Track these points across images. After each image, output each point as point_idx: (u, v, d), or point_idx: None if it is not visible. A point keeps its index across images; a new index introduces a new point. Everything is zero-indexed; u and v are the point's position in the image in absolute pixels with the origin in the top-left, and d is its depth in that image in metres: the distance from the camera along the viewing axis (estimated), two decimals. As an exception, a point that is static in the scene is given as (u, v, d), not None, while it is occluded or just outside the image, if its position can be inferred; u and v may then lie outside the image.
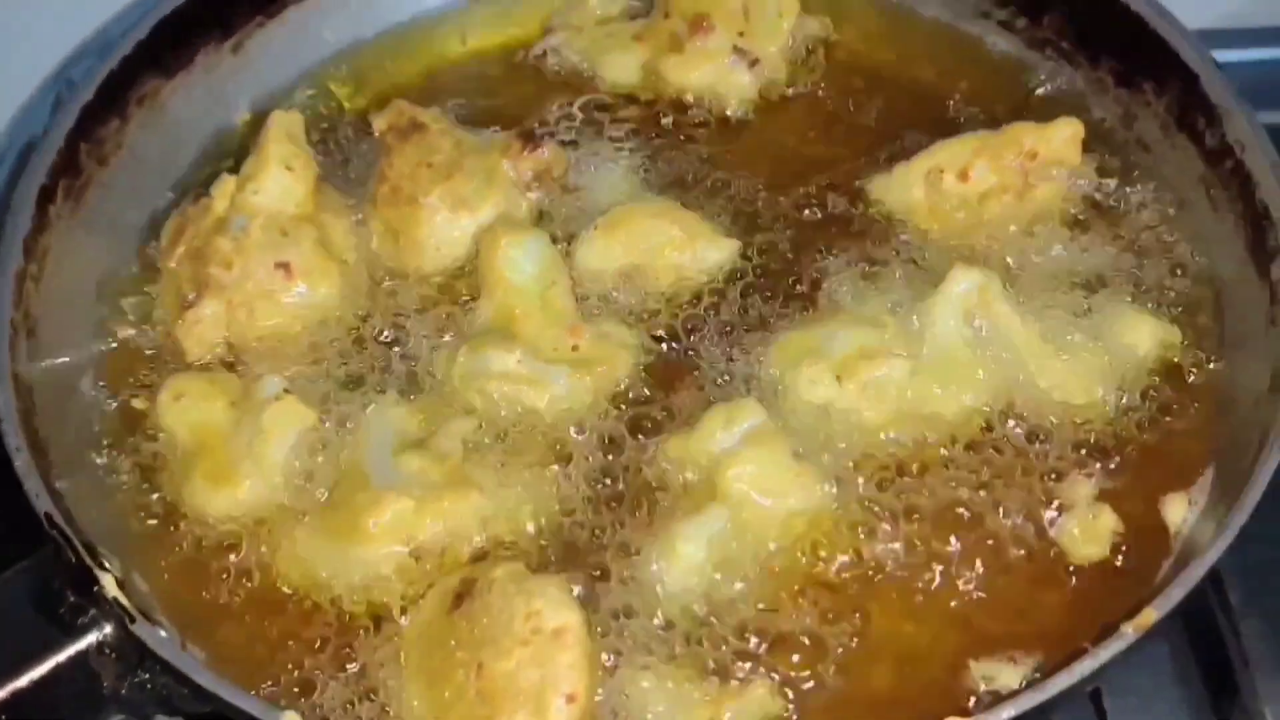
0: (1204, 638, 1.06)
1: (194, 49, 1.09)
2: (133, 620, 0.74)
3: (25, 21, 1.33)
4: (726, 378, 0.95)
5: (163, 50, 1.07)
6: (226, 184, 1.00)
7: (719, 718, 0.78)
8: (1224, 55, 1.28)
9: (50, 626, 0.76)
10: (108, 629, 0.75)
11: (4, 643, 0.75)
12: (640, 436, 0.93)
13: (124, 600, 0.75)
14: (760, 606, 0.84)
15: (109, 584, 0.76)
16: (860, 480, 0.90)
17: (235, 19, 1.11)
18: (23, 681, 0.73)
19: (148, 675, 0.76)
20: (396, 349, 0.98)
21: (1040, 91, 1.11)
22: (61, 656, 0.74)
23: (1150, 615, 0.73)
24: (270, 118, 1.02)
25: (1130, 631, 0.72)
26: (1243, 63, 1.36)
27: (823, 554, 0.87)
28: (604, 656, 0.81)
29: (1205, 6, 1.35)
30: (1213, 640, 1.05)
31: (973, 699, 0.79)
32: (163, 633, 0.76)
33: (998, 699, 0.71)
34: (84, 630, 0.75)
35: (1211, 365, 0.95)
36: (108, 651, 0.75)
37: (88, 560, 0.76)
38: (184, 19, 1.07)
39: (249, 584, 0.87)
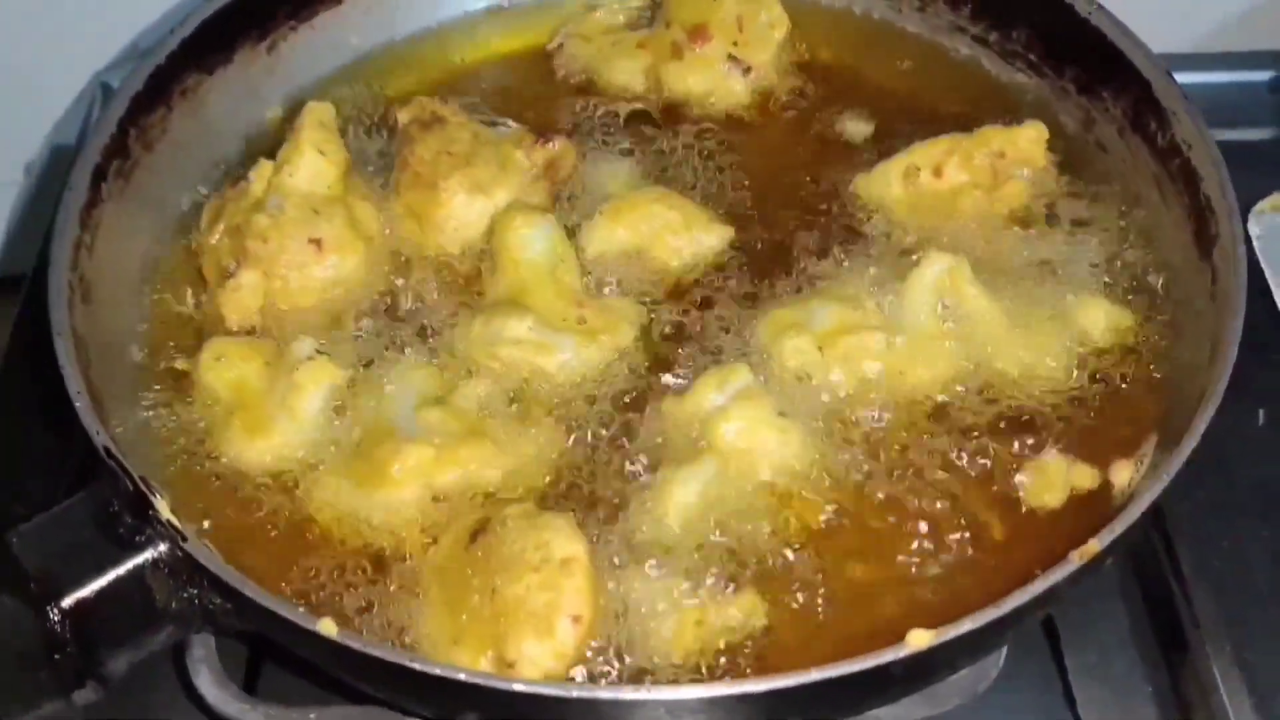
0: (1158, 603, 1.14)
1: (232, 48, 1.18)
2: (184, 539, 0.83)
3: (61, 32, 1.44)
4: (719, 347, 1.04)
5: (204, 48, 1.15)
6: (264, 168, 1.09)
7: (706, 619, 0.87)
8: (1194, 78, 1.40)
9: (110, 545, 0.83)
10: (162, 548, 0.83)
11: (69, 558, 0.83)
12: (641, 398, 1.01)
13: (176, 521, 0.84)
14: (745, 544, 0.93)
15: (162, 507, 0.84)
16: (838, 439, 0.99)
17: (270, 22, 1.20)
18: (87, 591, 0.81)
19: (196, 591, 0.84)
20: (418, 318, 1.06)
21: (1010, 98, 1.21)
22: (120, 570, 0.82)
23: (1094, 546, 0.81)
24: (305, 107, 1.11)
25: (1076, 559, 0.81)
26: (1212, 84, 1.47)
27: (802, 502, 0.95)
28: (608, 585, 0.89)
29: (1179, 32, 1.47)
30: (1166, 604, 1.14)
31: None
32: (210, 550, 0.84)
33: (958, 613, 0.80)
34: (140, 548, 0.83)
35: (1160, 343, 1.04)
36: (161, 568, 0.83)
37: (142, 487, 0.84)
38: (224, 21, 1.16)
39: (282, 525, 0.95)
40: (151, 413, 1.00)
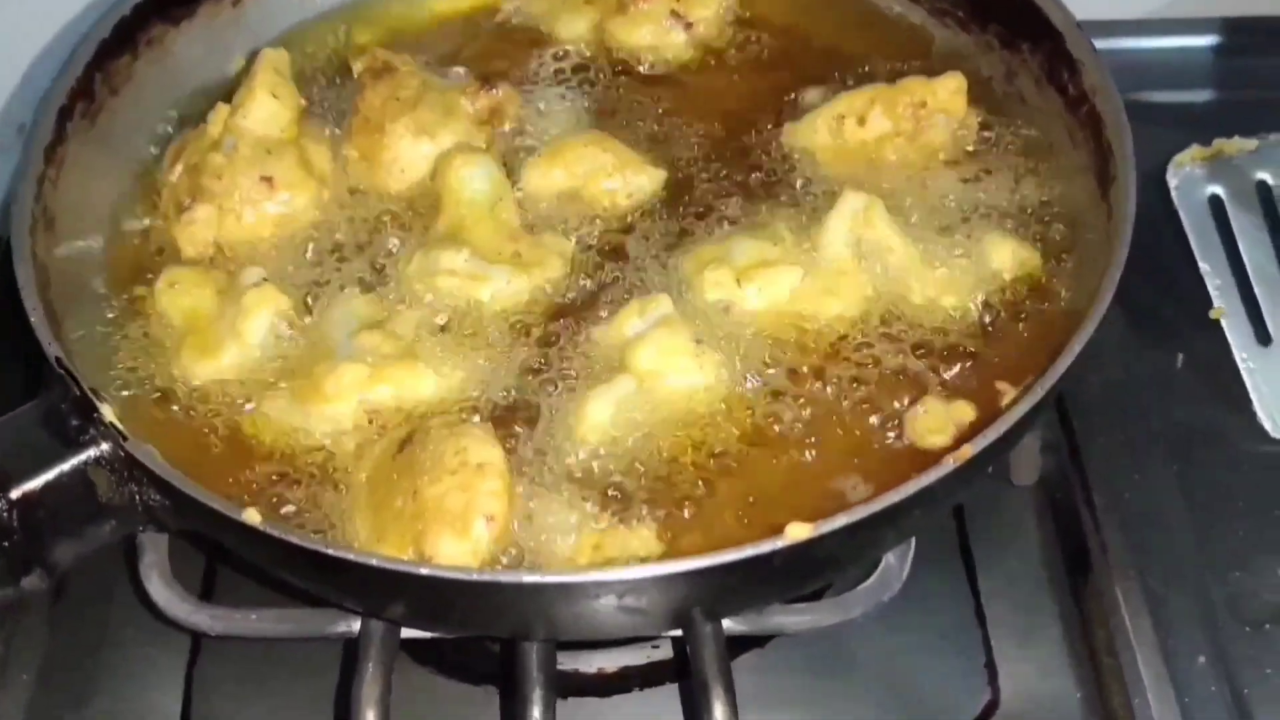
0: (1069, 533, 1.20)
1: (198, 1, 1.25)
2: (125, 439, 0.89)
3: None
4: (644, 281, 1.10)
5: (170, 1, 1.22)
6: (221, 111, 1.16)
7: (603, 545, 0.93)
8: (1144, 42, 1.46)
9: (56, 444, 0.90)
10: (104, 446, 0.90)
11: (18, 456, 0.89)
12: (567, 327, 1.08)
13: (118, 423, 0.90)
14: (653, 462, 0.99)
15: (106, 411, 0.90)
16: (751, 367, 1.05)
17: (235, -23, 1.27)
18: (32, 485, 0.88)
19: (136, 488, 0.91)
20: (364, 252, 1.13)
21: (938, 53, 1.27)
22: (65, 466, 0.89)
23: (966, 450, 0.87)
24: (260, 53, 1.17)
25: (950, 461, 0.87)
26: (1161, 49, 1.53)
27: (712, 425, 1.01)
28: (520, 489, 0.96)
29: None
30: (1076, 533, 1.20)
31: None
32: (151, 451, 0.90)
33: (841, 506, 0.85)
34: (84, 446, 0.89)
35: (1064, 281, 1.10)
36: (104, 465, 0.89)
37: (88, 392, 0.91)
38: (191, -25, 1.23)
39: (226, 438, 1.02)
40: (108, 334, 1.07)
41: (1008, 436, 0.89)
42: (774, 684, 1.13)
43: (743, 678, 1.08)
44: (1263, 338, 1.27)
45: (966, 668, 1.14)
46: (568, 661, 1.14)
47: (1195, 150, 1.33)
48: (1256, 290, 1.28)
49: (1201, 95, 1.52)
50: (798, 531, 0.84)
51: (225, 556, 1.11)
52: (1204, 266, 1.29)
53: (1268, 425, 1.24)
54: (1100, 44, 1.35)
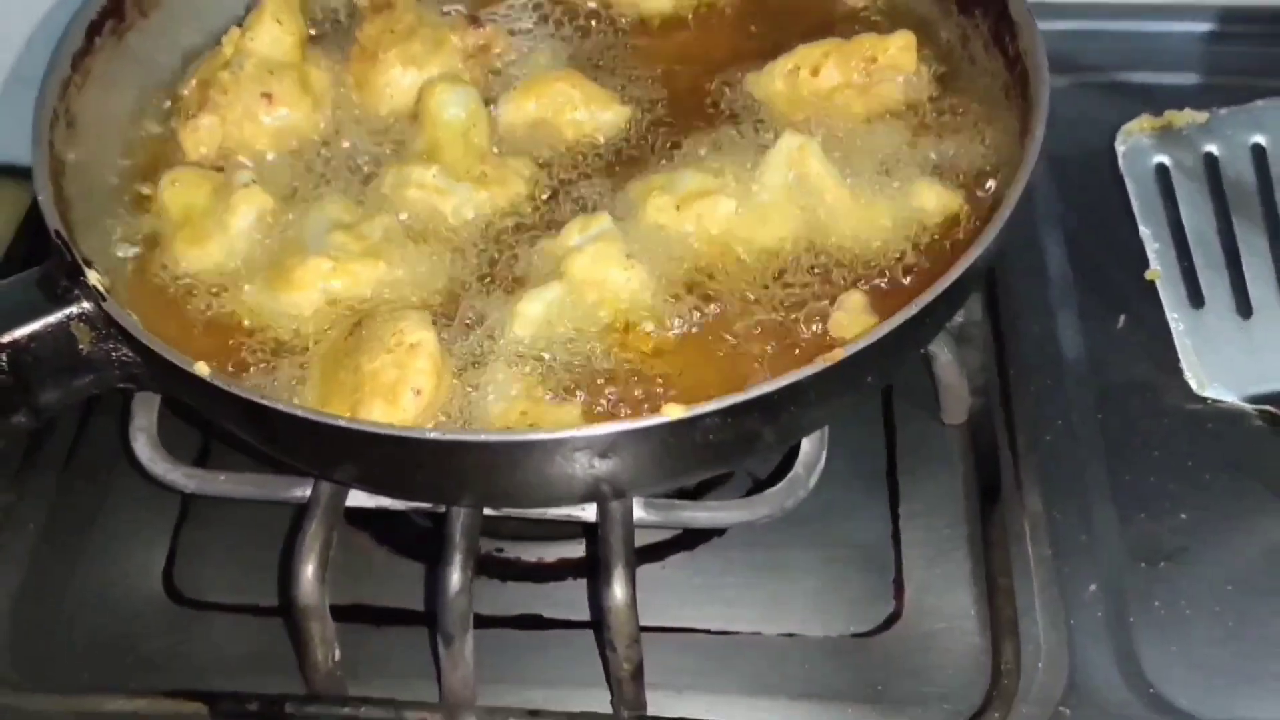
0: (988, 467, 1.29)
1: (224, -61, 1.38)
2: (104, 299, 1.02)
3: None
4: (595, 204, 1.21)
5: (197, -63, 1.36)
6: (233, 34, 1.29)
7: (530, 414, 1.03)
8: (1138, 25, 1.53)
9: (46, 301, 1.03)
10: (86, 305, 1.02)
11: (12, 310, 1.02)
12: (519, 239, 1.19)
13: (101, 286, 1.03)
14: (578, 356, 1.09)
15: (92, 276, 1.03)
16: (678, 282, 1.15)
17: (260, -81, 1.39)
18: (21, 332, 1.00)
19: (112, 346, 1.04)
20: (348, 164, 1.25)
21: (902, 14, 1.35)
22: (50, 319, 1.01)
23: (837, 354, 0.96)
24: (273, -15, 1.30)
25: (820, 362, 0.96)
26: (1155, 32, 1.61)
27: (639, 326, 1.11)
28: (455, 368, 1.07)
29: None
30: (993, 467, 1.28)
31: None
32: (128, 314, 1.03)
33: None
34: (69, 303, 1.02)
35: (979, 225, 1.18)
36: (85, 321, 1.02)
37: (78, 258, 1.04)
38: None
39: (204, 314, 1.14)
40: (114, 223, 1.20)
41: (885, 341, 0.97)
42: (691, 582, 1.23)
43: (666, 574, 1.20)
44: (1195, 301, 1.34)
45: (876, 582, 1.23)
46: (511, 550, 1.25)
47: (1145, 120, 1.40)
48: (1194, 255, 1.35)
49: (1190, 78, 1.58)
50: (672, 411, 0.94)
51: (213, 428, 1.23)
52: (1144, 230, 1.36)
53: (1193, 383, 1.30)
54: (1074, 24, 1.44)
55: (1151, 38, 1.57)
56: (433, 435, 0.95)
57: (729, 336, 1.12)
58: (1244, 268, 1.33)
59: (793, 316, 1.13)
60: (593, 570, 1.15)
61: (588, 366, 1.09)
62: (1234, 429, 1.28)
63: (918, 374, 1.31)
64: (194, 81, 1.28)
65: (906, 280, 1.15)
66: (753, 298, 1.14)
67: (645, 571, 1.21)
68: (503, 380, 1.08)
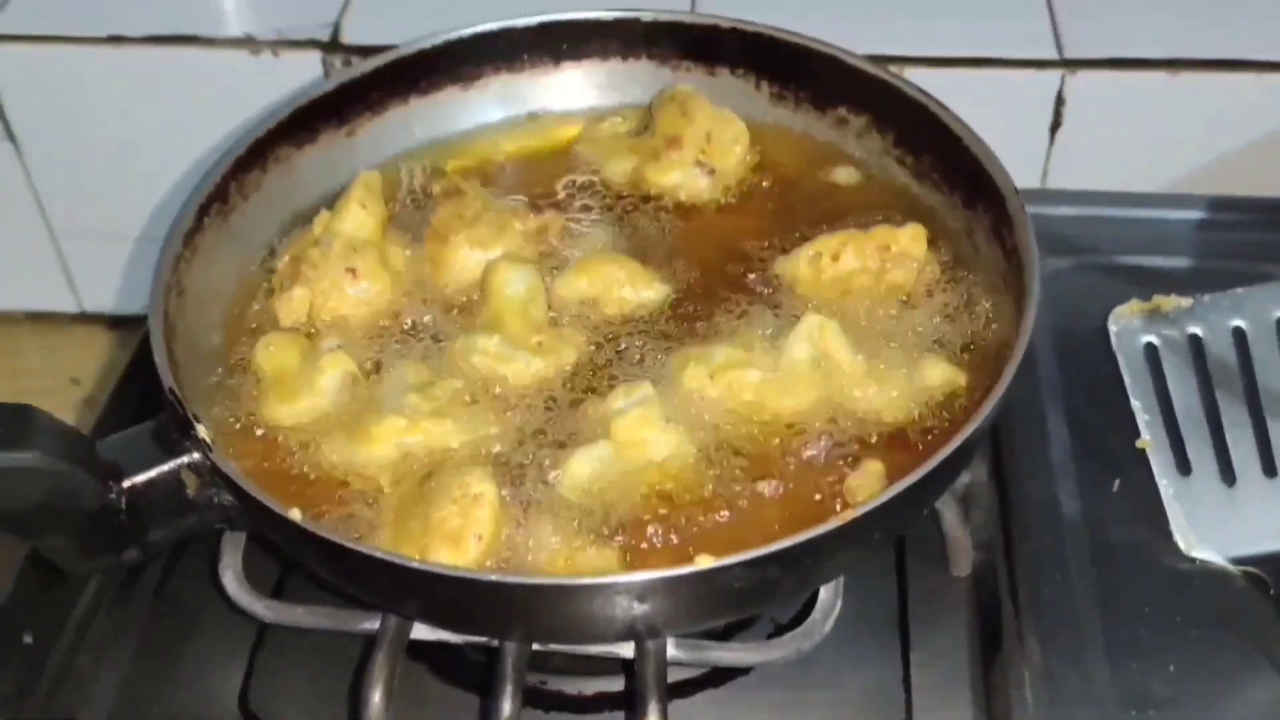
0: (990, 618, 1.41)
1: (318, 130, 1.55)
2: (211, 450, 1.18)
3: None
4: (638, 372, 1.36)
5: (296, 128, 1.54)
6: (323, 216, 1.47)
7: (572, 561, 1.17)
8: (1137, 213, 1.70)
9: (161, 452, 1.18)
10: (195, 456, 1.17)
11: (132, 457, 1.17)
12: (571, 403, 1.34)
13: (208, 438, 1.19)
14: (625, 506, 1.23)
15: (201, 429, 1.19)
16: (713, 445, 1.30)
17: (350, 113, 1.58)
18: (139, 479, 1.15)
19: (216, 491, 1.19)
20: (421, 333, 1.41)
21: (915, 206, 1.52)
22: (165, 468, 1.16)
23: (849, 514, 1.10)
24: (358, 174, 1.49)
25: (834, 520, 1.09)
26: (1149, 219, 1.77)
27: (676, 487, 1.26)
28: (512, 518, 1.21)
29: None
30: (995, 619, 1.40)
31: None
32: (230, 463, 1.19)
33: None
34: (180, 454, 1.17)
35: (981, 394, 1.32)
36: (194, 470, 1.17)
37: (189, 413, 1.20)
38: (314, 109, 1.55)
39: (296, 468, 1.29)
40: (218, 380, 1.37)
41: (894, 503, 1.11)
42: (719, 718, 1.35)
43: (695, 708, 1.33)
44: (1184, 468, 1.46)
45: (887, 721, 1.35)
46: (554, 684, 1.38)
47: (1134, 304, 1.54)
48: (1182, 427, 1.48)
49: (1181, 261, 1.74)
50: (703, 561, 1.08)
51: (290, 563, 1.38)
52: (1135, 403, 1.49)
53: (1182, 544, 1.42)
54: (1079, 210, 1.61)
55: (1147, 224, 1.72)
56: (493, 578, 1.09)
57: (755, 493, 1.26)
58: (1228, 439, 1.46)
59: (812, 476, 1.26)
60: (629, 704, 1.27)
61: (627, 516, 1.23)
62: (1220, 588, 1.39)
63: (930, 528, 1.44)
64: (287, 257, 1.46)
65: (920, 445, 1.29)
66: (776, 458, 1.28)
67: (676, 707, 1.33)
68: (552, 527, 1.22)
